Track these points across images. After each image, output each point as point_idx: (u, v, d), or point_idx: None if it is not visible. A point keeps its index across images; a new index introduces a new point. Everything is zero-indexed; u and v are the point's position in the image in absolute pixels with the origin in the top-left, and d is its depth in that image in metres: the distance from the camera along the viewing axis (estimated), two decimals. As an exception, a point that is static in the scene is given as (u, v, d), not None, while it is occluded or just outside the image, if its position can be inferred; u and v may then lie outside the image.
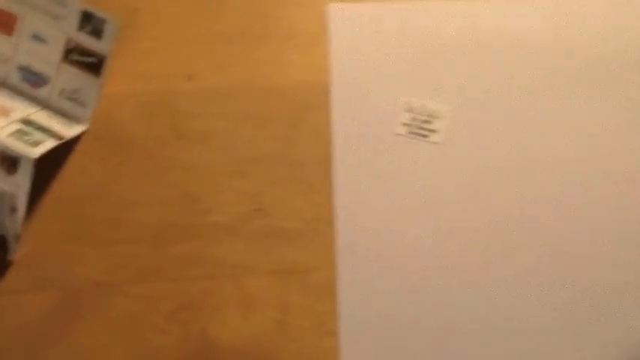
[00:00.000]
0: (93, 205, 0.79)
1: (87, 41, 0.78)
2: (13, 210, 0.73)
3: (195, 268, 0.77)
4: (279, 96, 0.84)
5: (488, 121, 0.81)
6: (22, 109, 0.78)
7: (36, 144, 0.74)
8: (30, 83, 0.79)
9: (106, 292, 0.75)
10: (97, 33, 0.77)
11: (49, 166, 0.78)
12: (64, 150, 0.79)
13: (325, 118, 0.83)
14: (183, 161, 0.81)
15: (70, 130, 0.78)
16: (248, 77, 0.85)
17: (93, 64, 0.79)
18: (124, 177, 0.80)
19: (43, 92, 0.80)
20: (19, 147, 0.73)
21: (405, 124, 0.82)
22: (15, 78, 0.79)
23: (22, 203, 0.74)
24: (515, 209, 0.78)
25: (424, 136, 0.81)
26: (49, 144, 0.75)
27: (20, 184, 0.73)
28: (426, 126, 0.82)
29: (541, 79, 0.82)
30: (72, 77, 0.79)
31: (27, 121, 0.76)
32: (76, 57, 0.78)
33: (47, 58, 0.78)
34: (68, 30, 0.78)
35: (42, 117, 0.78)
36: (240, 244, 0.78)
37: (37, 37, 0.78)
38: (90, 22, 0.77)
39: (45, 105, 0.80)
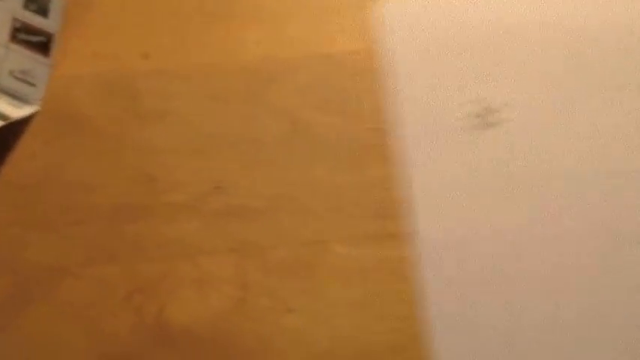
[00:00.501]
0: (44, 188, 0.76)
1: (33, 20, 0.76)
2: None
3: (151, 249, 0.74)
4: (238, 73, 0.82)
5: (554, 111, 0.78)
6: (-29, 92, 0.76)
7: (-19, 125, 0.72)
8: (-22, 65, 0.77)
9: (58, 276, 0.73)
10: (43, 11, 0.75)
11: (-1, 149, 0.77)
12: (14, 132, 0.77)
13: (283, 95, 0.81)
14: (140, 141, 0.79)
15: (18, 111, 0.76)
16: (206, 55, 0.83)
17: (41, 44, 0.76)
18: (78, 158, 0.78)
19: (-8, 74, 0.78)
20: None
21: (471, 115, 0.78)
22: (-37, 60, 0.78)
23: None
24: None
25: (490, 126, 0.78)
26: (-5, 125, 0.73)
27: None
28: (491, 116, 0.78)
29: (603, 73, 0.79)
30: (20, 57, 0.77)
31: (-25, 103, 0.74)
32: (23, 36, 0.76)
33: (-5, 39, 0.76)
34: (13, 9, 0.76)
35: (-9, 99, 0.76)
36: (199, 224, 0.76)
37: (-18, 18, 0.76)
38: (35, 0, 0.75)
39: (-5, 87, 0.78)
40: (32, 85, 0.78)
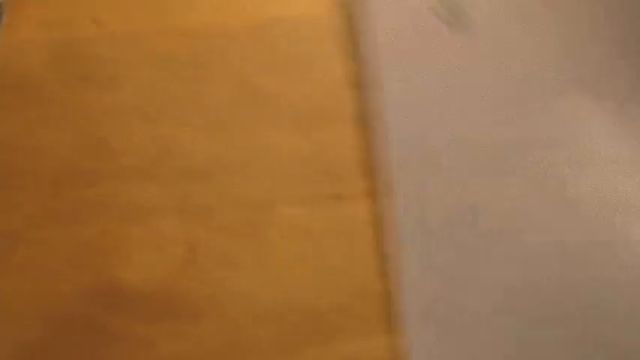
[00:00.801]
0: (-6, 151, 0.77)
1: (-19, -16, 0.76)
2: None
3: (101, 212, 0.75)
4: (190, 38, 0.83)
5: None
6: None
7: None
8: None
9: (7, 240, 0.74)
10: (-10, -25, 0.75)
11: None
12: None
13: (234, 63, 0.81)
14: (92, 107, 0.79)
15: (-34, 75, 0.76)
16: (156, 20, 0.83)
17: (-10, 8, 0.77)
18: (29, 125, 0.78)
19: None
20: None
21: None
22: None
23: None
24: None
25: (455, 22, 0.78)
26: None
27: None
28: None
29: None
30: (-32, 22, 0.77)
31: None
32: (-29, 1, 0.77)
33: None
34: (-40, -27, 0.76)
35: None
36: (150, 186, 0.76)
37: None
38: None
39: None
40: (-19, 49, 0.78)
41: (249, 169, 0.77)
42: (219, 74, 0.81)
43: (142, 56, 0.82)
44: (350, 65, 0.81)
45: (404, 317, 0.70)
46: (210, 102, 0.79)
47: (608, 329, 0.67)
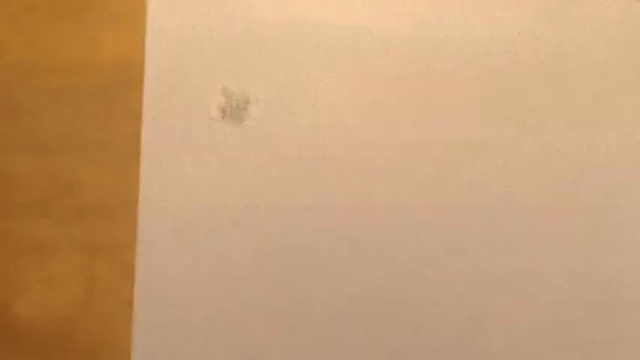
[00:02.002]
0: None
1: None
2: None
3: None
4: (91, 73, 0.83)
5: (303, 109, 0.84)
6: None
7: None
8: None
9: None
10: None
11: None
12: None
13: (139, 98, 0.83)
14: (-11, 137, 0.79)
15: None
16: (59, 52, 0.83)
17: None
18: None
19: None
20: None
21: (221, 109, 0.83)
22: None
23: None
24: (325, 192, 0.81)
25: (239, 120, 0.83)
26: None
27: None
28: (241, 110, 0.83)
29: (360, 73, 0.85)
30: None
31: None
32: None
33: None
34: None
35: None
36: (49, 223, 0.78)
37: None
38: None
39: None
40: None
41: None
42: (123, 111, 0.82)
43: (44, 88, 0.81)
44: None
45: None
46: (113, 139, 0.81)
47: None
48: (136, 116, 0.82)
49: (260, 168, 0.82)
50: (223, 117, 0.83)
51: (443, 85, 0.83)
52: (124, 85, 0.83)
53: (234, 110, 0.83)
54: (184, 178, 0.80)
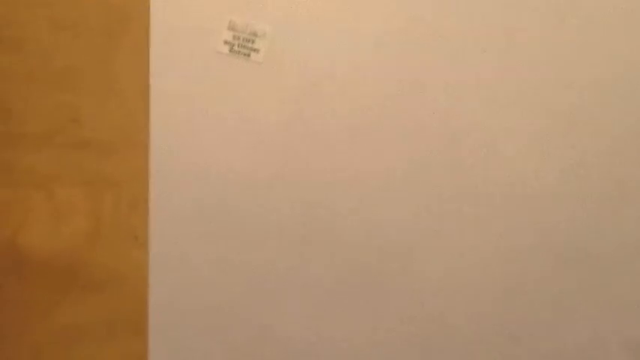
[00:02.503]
0: None
1: None
2: None
3: (4, 177, 0.76)
4: (98, 5, 0.82)
5: (311, 43, 0.83)
6: None
7: None
8: None
9: None
10: None
11: None
12: None
13: (146, 31, 0.82)
14: (-5, 68, 0.78)
15: None
16: (66, -18, 0.82)
17: None
18: None
19: None
20: None
21: (227, 42, 0.82)
22: None
23: None
24: (334, 128, 0.80)
25: (246, 55, 0.82)
26: None
27: None
28: (248, 45, 0.82)
29: (370, 4, 0.83)
30: None
31: None
32: None
33: None
34: None
35: None
36: (54, 155, 0.77)
37: None
38: None
39: None
40: None
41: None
42: (130, 43, 0.81)
43: (50, 20, 0.80)
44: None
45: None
46: (119, 72, 0.80)
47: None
48: (143, 49, 0.81)
49: (268, 102, 0.81)
50: (230, 51, 0.82)
51: (461, 18, 0.82)
52: (131, 18, 0.82)
53: (242, 44, 0.82)
54: (193, 111, 0.79)
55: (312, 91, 0.82)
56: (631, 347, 0.80)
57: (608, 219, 0.80)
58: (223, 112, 0.80)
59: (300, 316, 0.78)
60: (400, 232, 0.80)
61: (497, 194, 0.80)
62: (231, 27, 0.82)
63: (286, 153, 0.80)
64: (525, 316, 0.80)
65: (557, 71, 0.80)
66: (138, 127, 0.79)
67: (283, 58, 0.82)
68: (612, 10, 0.80)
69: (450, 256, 0.80)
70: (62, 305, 0.74)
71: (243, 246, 0.77)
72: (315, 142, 0.81)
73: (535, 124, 0.80)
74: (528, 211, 0.80)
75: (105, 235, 0.76)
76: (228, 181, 0.79)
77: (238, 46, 0.82)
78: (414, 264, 0.79)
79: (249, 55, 0.82)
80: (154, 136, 0.79)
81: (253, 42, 0.82)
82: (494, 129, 0.80)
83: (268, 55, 0.82)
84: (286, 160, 0.80)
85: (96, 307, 0.75)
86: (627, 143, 0.80)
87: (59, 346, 0.74)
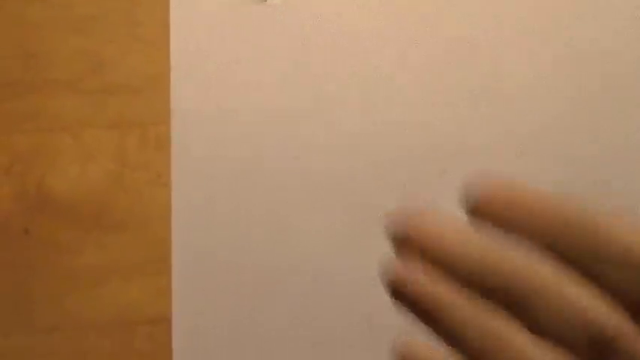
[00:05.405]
0: None
1: None
2: None
3: (31, 122, 0.78)
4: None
5: None
6: None
7: None
8: None
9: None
10: None
11: None
12: None
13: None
14: (22, 18, 0.80)
15: None
16: None
17: None
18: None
19: None
20: None
21: None
22: None
23: None
24: (341, 73, 0.81)
25: None
26: None
27: None
28: None
29: None
30: None
31: None
32: None
33: None
34: None
35: None
36: (80, 100, 0.79)
37: None
38: None
39: None
40: None
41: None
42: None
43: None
44: None
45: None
46: (142, 19, 0.81)
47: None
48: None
49: (286, 46, 0.81)
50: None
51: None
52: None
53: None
54: (212, 55, 0.80)
55: (325, 33, 0.82)
56: None
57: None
58: (242, 54, 0.81)
59: (325, 245, 0.79)
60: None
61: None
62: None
63: (303, 91, 0.80)
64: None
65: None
66: (159, 71, 0.80)
67: (300, 1, 0.82)
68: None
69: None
70: (88, 245, 0.77)
71: (265, 185, 0.78)
72: (327, 83, 0.81)
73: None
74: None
75: (129, 176, 0.78)
76: (249, 121, 0.79)
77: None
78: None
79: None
80: (175, 78, 0.80)
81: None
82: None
83: None
84: (304, 96, 0.80)
85: (121, 246, 0.77)
86: None
87: (85, 284, 0.77)
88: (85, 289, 0.77)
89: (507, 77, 0.81)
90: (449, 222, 0.17)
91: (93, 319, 0.76)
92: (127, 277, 0.77)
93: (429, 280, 0.17)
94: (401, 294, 0.17)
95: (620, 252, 0.16)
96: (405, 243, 0.17)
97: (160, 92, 0.80)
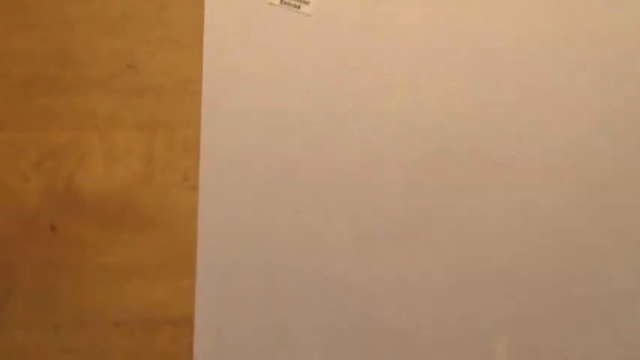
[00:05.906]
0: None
1: None
2: None
3: (63, 119, 0.78)
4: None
5: None
6: None
7: None
8: None
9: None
10: None
11: None
12: None
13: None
14: (58, 16, 0.81)
15: None
16: None
17: None
18: (9, 30, 0.80)
19: None
20: None
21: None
22: None
23: None
24: (381, 82, 0.81)
25: (296, 6, 0.83)
26: None
27: None
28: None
29: None
30: None
31: None
32: None
33: None
34: None
35: None
36: (110, 99, 0.80)
37: None
38: None
39: None
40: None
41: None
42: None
43: (109, -31, 0.83)
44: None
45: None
46: (175, 20, 0.82)
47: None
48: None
49: (319, 53, 0.82)
50: (281, 2, 0.83)
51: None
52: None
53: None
54: (244, 59, 0.81)
55: (360, 44, 0.82)
56: None
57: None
58: (273, 61, 0.81)
59: (351, 251, 0.79)
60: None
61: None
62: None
63: (335, 97, 0.81)
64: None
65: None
66: (191, 74, 0.81)
67: (332, 11, 0.83)
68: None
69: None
70: (114, 244, 0.77)
71: (292, 190, 0.79)
72: (362, 90, 0.82)
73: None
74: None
75: (157, 177, 0.78)
76: (279, 126, 0.80)
77: (289, -3, 0.83)
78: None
79: (299, 7, 0.83)
80: (206, 81, 0.80)
81: (304, -6, 0.83)
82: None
83: (317, 6, 0.83)
84: (335, 105, 0.81)
85: (146, 246, 0.77)
86: None
87: (110, 283, 0.77)
88: (109, 288, 0.77)
89: (536, 90, 0.82)
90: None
91: (116, 318, 0.77)
92: (152, 278, 0.77)
93: None
94: None
95: None
96: None
97: (191, 95, 0.80)
